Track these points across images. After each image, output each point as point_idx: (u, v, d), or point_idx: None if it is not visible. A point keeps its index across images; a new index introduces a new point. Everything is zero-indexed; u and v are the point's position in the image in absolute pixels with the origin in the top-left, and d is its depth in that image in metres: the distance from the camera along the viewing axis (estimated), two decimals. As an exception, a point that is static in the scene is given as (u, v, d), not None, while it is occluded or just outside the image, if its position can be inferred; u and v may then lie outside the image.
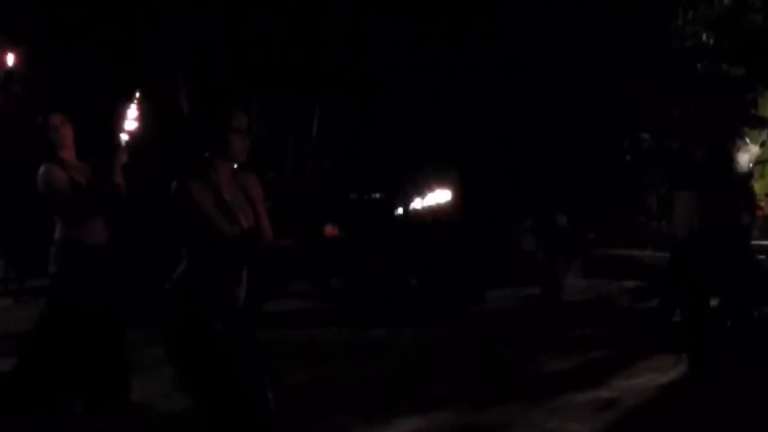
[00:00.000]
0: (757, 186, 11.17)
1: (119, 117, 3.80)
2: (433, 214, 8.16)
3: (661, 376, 5.19)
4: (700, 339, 4.82)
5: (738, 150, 5.27)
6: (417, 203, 8.32)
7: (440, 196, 8.13)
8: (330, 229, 2.72)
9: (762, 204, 10.83)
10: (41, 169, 3.78)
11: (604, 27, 11.41)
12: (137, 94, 3.79)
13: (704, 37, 12.66)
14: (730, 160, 5.16)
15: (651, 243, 11.62)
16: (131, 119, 3.80)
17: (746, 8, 12.25)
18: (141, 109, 3.86)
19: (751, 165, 5.63)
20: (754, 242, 10.70)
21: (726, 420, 4.28)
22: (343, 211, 8.37)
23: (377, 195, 9.13)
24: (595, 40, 11.06)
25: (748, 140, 7.77)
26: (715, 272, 4.81)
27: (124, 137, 3.83)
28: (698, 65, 12.38)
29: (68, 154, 3.87)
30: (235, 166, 2.82)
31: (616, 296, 8.88)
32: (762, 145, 11.40)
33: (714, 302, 5.46)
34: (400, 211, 8.51)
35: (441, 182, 8.30)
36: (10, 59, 7.04)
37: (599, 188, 10.86)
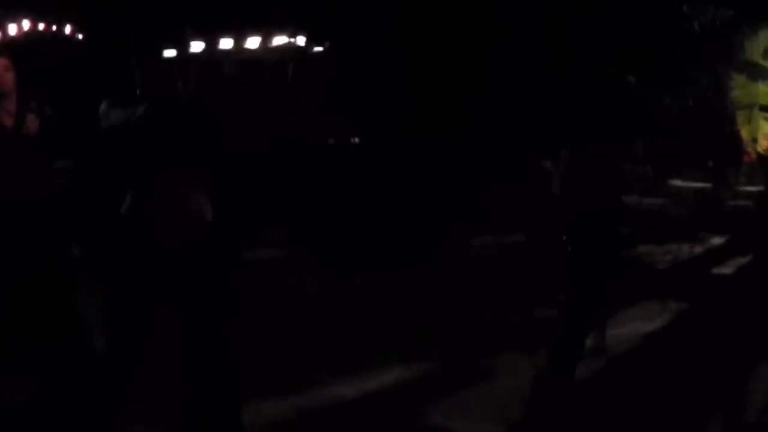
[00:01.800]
0: (744, 131, 11.09)
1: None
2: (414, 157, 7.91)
3: (648, 325, 5.18)
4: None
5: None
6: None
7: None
8: None
9: (749, 150, 10.73)
10: None
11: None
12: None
13: (690, -23, 12.28)
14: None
15: (637, 189, 11.47)
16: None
17: (735, -53, 11.87)
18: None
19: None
20: (741, 188, 10.62)
21: (713, 365, 4.23)
22: (321, 156, 8.07)
23: (356, 140, 8.84)
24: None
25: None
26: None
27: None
28: (684, 7, 12.04)
29: (9, 100, 3.62)
30: None
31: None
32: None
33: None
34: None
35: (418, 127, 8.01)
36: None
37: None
